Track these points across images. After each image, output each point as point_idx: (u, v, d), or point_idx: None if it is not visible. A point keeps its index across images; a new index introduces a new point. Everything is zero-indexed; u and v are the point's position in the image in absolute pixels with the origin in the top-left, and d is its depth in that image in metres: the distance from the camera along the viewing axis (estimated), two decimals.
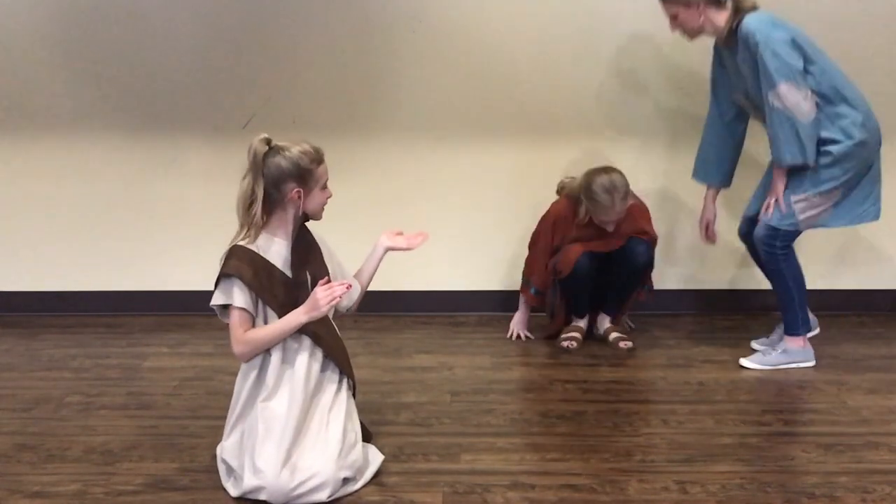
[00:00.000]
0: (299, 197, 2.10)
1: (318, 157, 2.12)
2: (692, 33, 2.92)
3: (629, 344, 3.13)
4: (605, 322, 3.29)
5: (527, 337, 3.34)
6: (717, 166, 3.09)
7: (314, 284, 2.10)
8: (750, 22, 2.73)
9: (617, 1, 3.44)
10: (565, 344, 3.18)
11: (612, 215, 3.06)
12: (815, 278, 3.67)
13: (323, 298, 2.01)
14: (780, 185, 2.80)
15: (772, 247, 2.87)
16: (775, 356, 2.97)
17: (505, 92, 3.52)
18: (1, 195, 3.64)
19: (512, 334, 3.36)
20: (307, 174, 2.10)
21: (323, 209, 2.19)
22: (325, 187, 2.16)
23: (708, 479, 2.14)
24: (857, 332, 3.46)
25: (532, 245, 3.36)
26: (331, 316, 2.23)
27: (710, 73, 3.11)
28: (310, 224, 2.24)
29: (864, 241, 3.66)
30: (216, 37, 3.48)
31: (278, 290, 2.12)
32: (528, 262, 3.36)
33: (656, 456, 2.28)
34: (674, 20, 2.91)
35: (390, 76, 3.52)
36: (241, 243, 2.11)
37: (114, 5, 3.44)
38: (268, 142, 2.10)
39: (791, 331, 2.97)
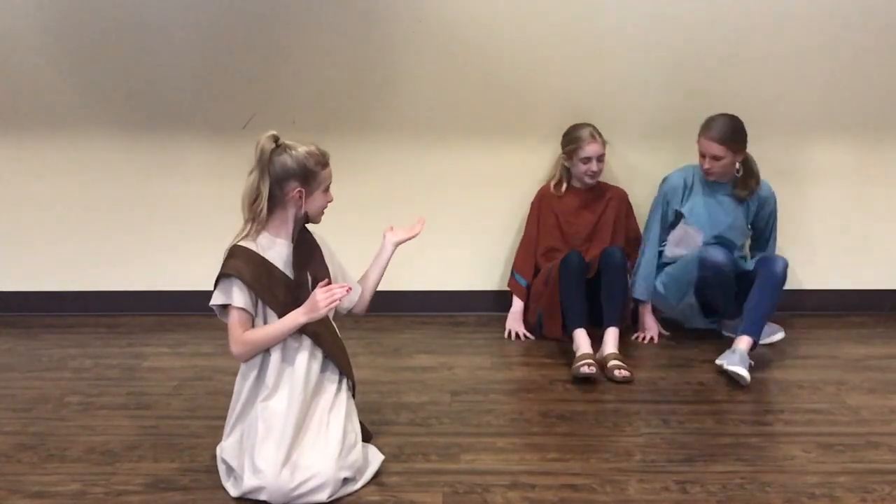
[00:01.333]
0: (301, 197, 2.11)
1: (323, 160, 2.13)
2: (719, 175, 3.19)
3: (626, 374, 2.84)
4: (608, 345, 3.00)
5: (525, 336, 3.34)
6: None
7: (315, 285, 2.11)
8: (767, 184, 3.29)
9: (618, 2, 3.44)
10: (585, 370, 2.81)
11: (593, 148, 3.31)
12: (816, 278, 3.69)
13: (322, 300, 2.02)
14: None
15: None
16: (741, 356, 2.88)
17: (505, 92, 3.52)
18: (1, 195, 3.64)
19: (509, 334, 3.36)
20: (311, 175, 2.11)
21: (322, 213, 2.20)
22: (327, 191, 2.17)
23: (708, 479, 2.14)
24: (857, 332, 3.45)
25: (523, 237, 3.52)
26: (331, 317, 2.23)
27: (669, 207, 3.32)
28: (311, 225, 2.25)
29: (865, 241, 3.67)
30: (216, 37, 3.48)
31: (278, 291, 2.12)
32: (517, 253, 3.52)
33: (656, 456, 2.28)
34: (716, 160, 3.13)
35: (390, 76, 3.52)
36: (242, 243, 2.12)
37: (114, 6, 3.44)
38: (276, 139, 2.11)
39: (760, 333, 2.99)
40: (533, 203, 3.51)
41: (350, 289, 2.07)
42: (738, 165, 3.19)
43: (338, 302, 2.04)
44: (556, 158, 3.49)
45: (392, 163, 3.60)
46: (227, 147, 3.54)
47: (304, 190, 2.11)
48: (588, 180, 3.38)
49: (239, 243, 2.12)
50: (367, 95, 3.53)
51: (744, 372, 2.76)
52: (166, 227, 3.65)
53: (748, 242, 3.45)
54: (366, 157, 3.57)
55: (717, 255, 3.09)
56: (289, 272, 2.14)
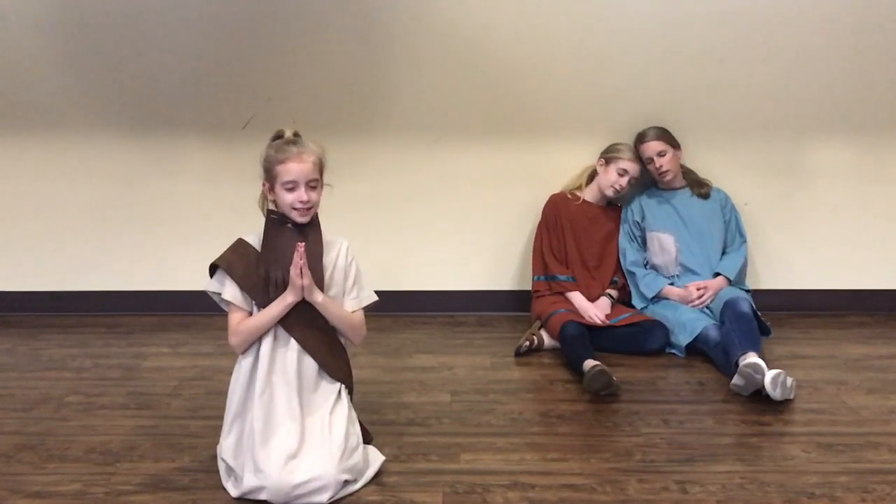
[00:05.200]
0: (268, 190, 2.15)
1: (283, 158, 2.09)
2: (673, 172, 3.39)
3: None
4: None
5: (602, 321, 3.21)
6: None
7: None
8: (718, 188, 3.49)
9: (620, 3, 3.43)
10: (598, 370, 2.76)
11: (633, 166, 3.37)
12: (816, 278, 3.70)
13: (294, 273, 2.05)
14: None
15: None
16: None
17: (504, 92, 3.52)
18: (1, 195, 3.64)
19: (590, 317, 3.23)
20: (269, 169, 2.12)
21: (294, 211, 2.12)
22: (292, 189, 2.09)
23: (708, 479, 2.14)
24: (857, 332, 3.46)
25: (535, 245, 3.50)
26: (331, 317, 2.23)
27: (631, 224, 3.45)
28: (329, 228, 2.23)
29: (865, 241, 3.67)
30: (216, 37, 3.48)
31: (267, 287, 2.13)
32: (541, 260, 3.44)
33: (656, 456, 2.28)
34: (662, 156, 3.36)
35: (390, 76, 3.52)
36: (245, 235, 2.18)
37: (114, 5, 3.44)
38: (277, 135, 2.15)
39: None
40: (545, 207, 3.46)
41: (303, 245, 2.06)
42: (679, 163, 3.42)
43: (301, 263, 2.03)
44: (583, 169, 3.51)
45: (392, 162, 3.59)
46: (227, 147, 3.54)
47: (268, 184, 2.14)
48: (610, 193, 3.39)
49: (243, 236, 2.18)
50: (367, 95, 3.53)
51: (759, 360, 2.66)
52: (166, 227, 3.65)
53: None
54: (366, 158, 3.57)
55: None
56: (275, 266, 2.12)
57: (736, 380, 2.70)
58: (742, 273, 3.41)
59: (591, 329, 3.12)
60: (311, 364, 2.15)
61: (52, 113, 3.55)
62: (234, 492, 2.05)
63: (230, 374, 2.18)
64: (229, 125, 3.54)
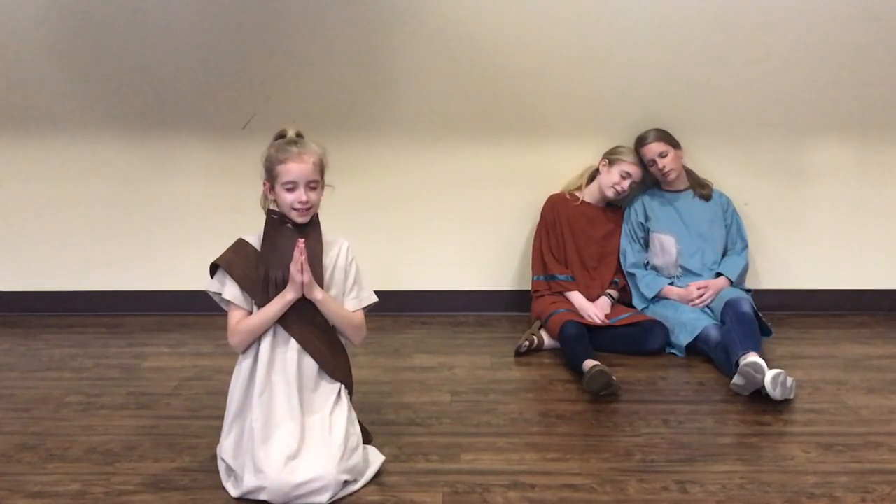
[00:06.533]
0: (269, 190, 2.15)
1: (283, 158, 2.09)
2: (677, 172, 3.38)
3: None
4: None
5: (602, 320, 3.22)
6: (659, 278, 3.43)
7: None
8: (719, 191, 3.49)
9: (615, 3, 3.44)
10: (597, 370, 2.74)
11: (635, 170, 3.36)
12: (816, 278, 3.70)
13: (294, 270, 2.05)
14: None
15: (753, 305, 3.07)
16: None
17: (504, 92, 3.52)
18: (1, 195, 3.64)
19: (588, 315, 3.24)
20: (270, 169, 2.13)
21: (294, 211, 2.12)
22: (291, 189, 2.10)
23: (708, 479, 2.14)
24: (857, 332, 3.46)
25: (534, 245, 3.49)
26: (332, 318, 2.23)
27: (633, 225, 3.45)
28: (330, 228, 2.23)
29: (865, 241, 3.67)
30: (216, 37, 3.48)
31: (266, 287, 2.13)
32: (540, 260, 3.44)
33: (656, 456, 2.28)
34: (662, 157, 3.35)
35: (390, 76, 3.52)
36: (246, 235, 2.18)
37: (114, 5, 3.44)
38: (280, 134, 2.15)
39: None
40: (544, 207, 3.47)
41: (303, 242, 2.06)
42: (681, 163, 3.41)
43: (301, 259, 2.03)
44: (584, 169, 3.50)
45: (392, 162, 3.59)
46: (227, 147, 3.54)
47: (268, 183, 2.15)
48: (611, 193, 3.38)
49: (244, 236, 2.18)
50: (368, 95, 3.53)
51: (760, 360, 2.66)
52: (166, 227, 3.65)
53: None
54: (366, 157, 3.57)
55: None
56: (274, 265, 2.13)
57: (736, 379, 2.70)
58: (742, 277, 3.40)
59: (591, 329, 3.12)
60: (310, 364, 2.15)
61: (52, 113, 3.55)
62: (234, 492, 2.05)
63: (230, 374, 2.18)
64: (229, 125, 3.54)
